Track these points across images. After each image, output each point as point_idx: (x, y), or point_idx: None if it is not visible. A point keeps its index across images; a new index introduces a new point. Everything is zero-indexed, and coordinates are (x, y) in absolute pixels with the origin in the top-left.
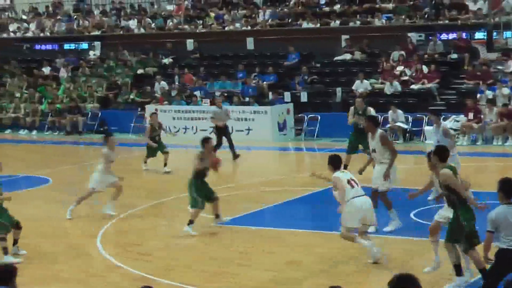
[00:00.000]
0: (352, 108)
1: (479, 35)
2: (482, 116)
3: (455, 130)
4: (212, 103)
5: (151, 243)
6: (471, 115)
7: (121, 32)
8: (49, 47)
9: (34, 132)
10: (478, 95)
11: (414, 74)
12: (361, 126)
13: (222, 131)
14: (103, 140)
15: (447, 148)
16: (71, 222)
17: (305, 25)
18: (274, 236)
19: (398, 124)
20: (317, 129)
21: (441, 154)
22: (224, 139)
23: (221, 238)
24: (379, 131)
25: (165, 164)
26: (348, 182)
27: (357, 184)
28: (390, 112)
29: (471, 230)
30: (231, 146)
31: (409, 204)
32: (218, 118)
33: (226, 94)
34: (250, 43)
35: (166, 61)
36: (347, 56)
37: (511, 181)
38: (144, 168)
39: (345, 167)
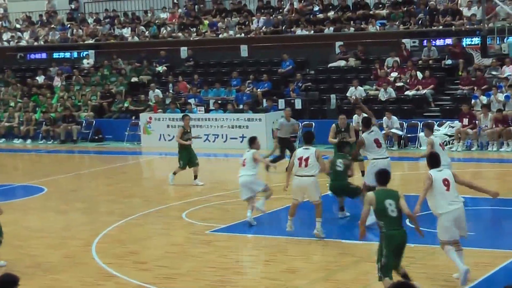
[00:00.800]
0: (334, 125)
1: (474, 41)
2: (477, 122)
3: (450, 136)
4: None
5: (148, 252)
6: (466, 121)
7: (115, 41)
8: (43, 56)
9: (29, 141)
10: (473, 101)
11: (408, 80)
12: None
13: (285, 143)
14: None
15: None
16: (68, 231)
17: (299, 32)
18: (272, 244)
19: (393, 130)
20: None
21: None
22: (286, 151)
23: (218, 246)
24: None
25: (195, 177)
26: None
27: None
28: (384, 118)
29: None
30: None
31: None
32: (283, 130)
33: (220, 102)
34: (244, 51)
35: (160, 69)
36: (342, 63)
37: None
38: (172, 182)
39: None
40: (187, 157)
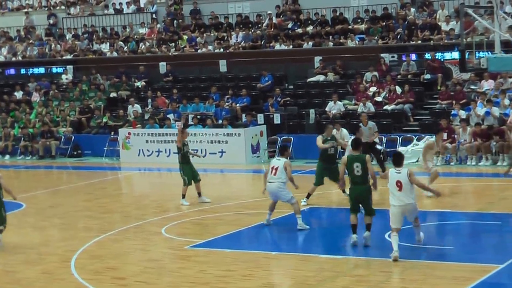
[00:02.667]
0: (320, 136)
1: (452, 55)
2: (455, 136)
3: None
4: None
5: (127, 267)
6: (445, 136)
7: (94, 56)
8: (21, 71)
9: (7, 156)
10: (452, 115)
11: (387, 95)
12: (331, 152)
13: (368, 147)
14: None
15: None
16: (46, 247)
17: (278, 47)
18: (250, 259)
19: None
20: (290, 151)
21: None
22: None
23: (197, 262)
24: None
25: (199, 194)
26: None
27: None
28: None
29: None
30: (380, 162)
31: (385, 225)
32: (361, 134)
33: (199, 117)
34: (223, 66)
35: (139, 84)
36: (320, 78)
37: None
38: (186, 204)
39: (308, 196)
40: (190, 173)
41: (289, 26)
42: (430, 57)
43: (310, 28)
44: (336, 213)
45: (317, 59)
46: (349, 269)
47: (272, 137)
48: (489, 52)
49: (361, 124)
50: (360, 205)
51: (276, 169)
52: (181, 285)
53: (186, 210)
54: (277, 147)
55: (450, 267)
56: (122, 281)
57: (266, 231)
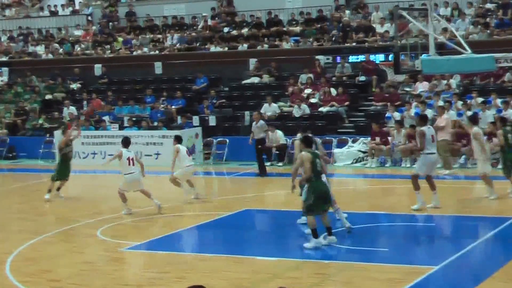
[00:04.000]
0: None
1: (387, 57)
2: (390, 138)
3: (363, 152)
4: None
5: (62, 270)
6: (377, 140)
7: (29, 58)
8: None
9: None
10: (386, 117)
11: (322, 97)
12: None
13: (258, 144)
14: None
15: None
16: None
17: (213, 49)
18: (184, 261)
19: None
20: (225, 153)
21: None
22: None
23: (131, 263)
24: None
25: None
26: None
27: None
28: (298, 135)
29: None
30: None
31: (320, 227)
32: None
33: (134, 119)
34: (158, 68)
35: (74, 86)
36: (255, 80)
37: None
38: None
39: None
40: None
41: (225, 28)
42: (364, 59)
43: (245, 30)
44: (271, 215)
45: (252, 61)
46: (283, 271)
47: (208, 139)
48: (423, 54)
49: (253, 123)
50: (324, 203)
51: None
52: (115, 287)
53: (122, 212)
54: (213, 149)
55: (384, 269)
56: (57, 283)
57: (200, 233)
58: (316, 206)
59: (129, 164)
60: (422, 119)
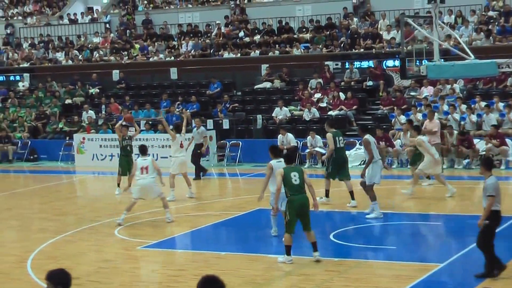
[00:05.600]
0: None
1: (393, 63)
2: (394, 141)
3: None
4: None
5: (81, 268)
6: (382, 144)
7: (49, 64)
8: None
9: None
10: (392, 120)
11: (331, 101)
12: None
13: (197, 148)
14: None
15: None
16: (2, 248)
17: (226, 55)
18: (200, 259)
19: (317, 149)
20: (239, 155)
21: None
22: None
23: (149, 261)
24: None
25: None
26: None
27: None
28: (308, 137)
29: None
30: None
31: (331, 226)
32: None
33: (150, 122)
34: (173, 73)
35: (93, 91)
36: (267, 85)
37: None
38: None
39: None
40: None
41: (237, 35)
42: (372, 65)
43: (257, 37)
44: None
45: (264, 66)
46: (295, 269)
47: (221, 141)
48: (428, 60)
49: (195, 128)
50: (300, 219)
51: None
52: (134, 284)
53: (139, 212)
54: (226, 151)
55: (392, 266)
56: (77, 281)
57: (215, 232)
58: (291, 223)
59: (142, 173)
60: (363, 128)
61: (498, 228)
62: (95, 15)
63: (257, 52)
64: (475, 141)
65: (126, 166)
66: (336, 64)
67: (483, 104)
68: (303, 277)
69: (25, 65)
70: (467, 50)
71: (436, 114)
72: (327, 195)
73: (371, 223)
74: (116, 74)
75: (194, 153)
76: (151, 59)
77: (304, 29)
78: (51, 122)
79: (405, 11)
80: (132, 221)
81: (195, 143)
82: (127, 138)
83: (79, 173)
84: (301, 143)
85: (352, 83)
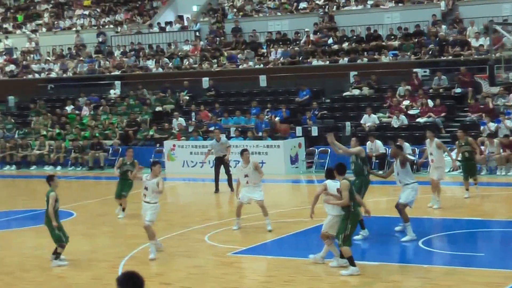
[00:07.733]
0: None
1: (482, 70)
2: (482, 148)
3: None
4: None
5: (172, 273)
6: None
7: (140, 72)
8: (72, 86)
9: (59, 168)
10: (481, 127)
11: (420, 108)
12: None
13: (220, 161)
14: None
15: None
16: (96, 253)
17: (315, 62)
18: (291, 265)
19: (407, 156)
20: (327, 162)
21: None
22: None
23: (240, 268)
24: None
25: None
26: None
27: None
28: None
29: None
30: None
31: (421, 233)
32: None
33: (240, 129)
34: (262, 81)
35: (184, 94)
36: (356, 92)
37: None
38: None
39: None
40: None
41: (326, 42)
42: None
43: (345, 45)
44: (372, 221)
45: (353, 74)
46: (386, 275)
47: (310, 148)
48: None
49: (214, 139)
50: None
51: None
52: None
53: (230, 218)
54: (315, 158)
55: (482, 273)
56: (168, 286)
57: (305, 239)
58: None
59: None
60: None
61: None
62: (185, 23)
63: (346, 59)
64: None
65: (119, 190)
66: (424, 71)
67: None
68: (392, 284)
69: (117, 72)
70: None
71: None
72: None
73: (460, 230)
74: (205, 82)
75: (217, 164)
76: (240, 67)
77: (392, 37)
78: (142, 129)
79: (494, 18)
80: (222, 227)
81: (215, 156)
82: (128, 163)
83: (169, 180)
84: (389, 150)
85: (441, 90)
